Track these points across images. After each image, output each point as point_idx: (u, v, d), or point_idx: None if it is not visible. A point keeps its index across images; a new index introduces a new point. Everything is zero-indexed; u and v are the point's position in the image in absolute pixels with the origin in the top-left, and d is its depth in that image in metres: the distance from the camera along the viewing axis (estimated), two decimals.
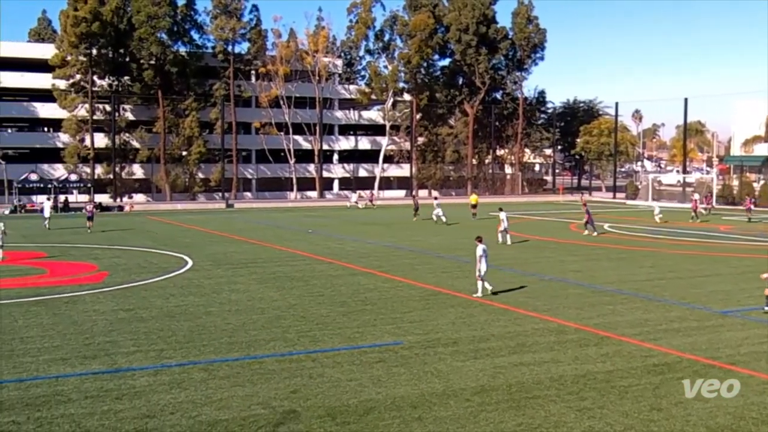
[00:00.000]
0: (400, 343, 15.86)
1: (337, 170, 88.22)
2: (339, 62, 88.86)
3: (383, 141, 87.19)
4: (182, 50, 76.08)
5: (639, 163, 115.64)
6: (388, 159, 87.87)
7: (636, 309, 19.45)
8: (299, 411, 11.66)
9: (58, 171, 71.84)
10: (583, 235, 38.57)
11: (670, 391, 12.47)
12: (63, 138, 74.17)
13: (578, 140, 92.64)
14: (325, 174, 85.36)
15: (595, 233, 38.67)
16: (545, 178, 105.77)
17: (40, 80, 72.74)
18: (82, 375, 13.57)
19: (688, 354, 14.83)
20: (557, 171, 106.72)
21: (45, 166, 72.34)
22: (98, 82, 73.58)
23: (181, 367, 14.07)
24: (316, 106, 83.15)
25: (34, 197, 65.07)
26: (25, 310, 19.42)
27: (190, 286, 23.27)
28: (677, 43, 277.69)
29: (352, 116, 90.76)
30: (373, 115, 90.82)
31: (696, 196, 54.14)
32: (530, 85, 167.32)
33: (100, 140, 73.88)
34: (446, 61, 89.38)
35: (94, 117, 72.97)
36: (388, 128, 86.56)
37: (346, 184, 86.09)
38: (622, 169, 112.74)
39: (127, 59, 74.30)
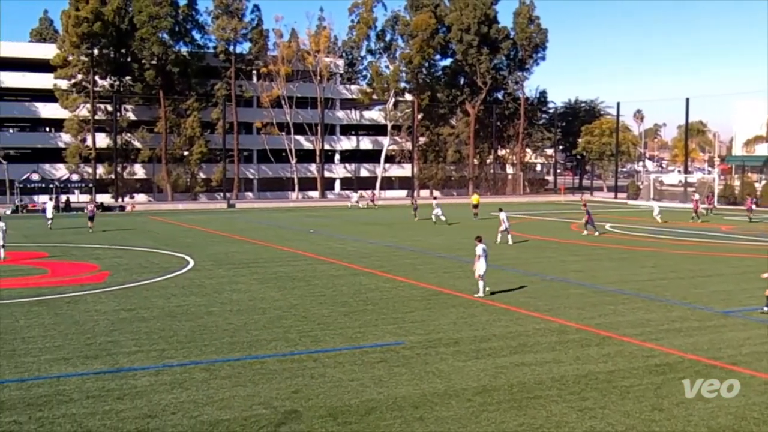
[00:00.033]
0: (401, 343, 15.86)
1: (339, 170, 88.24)
2: (340, 62, 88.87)
3: (385, 141, 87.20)
4: (184, 50, 76.14)
5: (640, 163, 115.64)
6: (390, 159, 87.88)
7: (638, 309, 19.44)
8: (301, 411, 11.66)
9: (60, 171, 71.91)
10: (582, 235, 38.55)
11: (671, 392, 12.47)
12: (64, 138, 74.20)
13: (580, 140, 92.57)
14: (327, 174, 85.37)
15: (596, 233, 38.65)
16: (547, 178, 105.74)
17: (42, 80, 72.78)
18: (83, 375, 13.58)
19: (690, 354, 14.82)
20: (559, 171, 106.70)
21: (47, 166, 72.43)
22: (100, 82, 73.64)
23: (183, 367, 14.08)
24: (318, 106, 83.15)
25: (35, 197, 65.13)
26: (26, 310, 19.43)
27: (192, 286, 23.28)
28: (678, 43, 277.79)
29: (353, 116, 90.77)
30: (375, 115, 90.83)
31: (696, 197, 54.12)
32: (532, 85, 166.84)
33: (102, 140, 73.94)
34: (448, 61, 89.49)
35: (96, 117, 73.05)
36: (389, 128, 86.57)
37: (348, 184, 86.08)
38: (624, 169, 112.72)
39: (129, 59, 74.34)
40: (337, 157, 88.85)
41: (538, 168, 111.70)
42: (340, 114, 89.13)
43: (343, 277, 25.10)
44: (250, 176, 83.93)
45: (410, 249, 33.46)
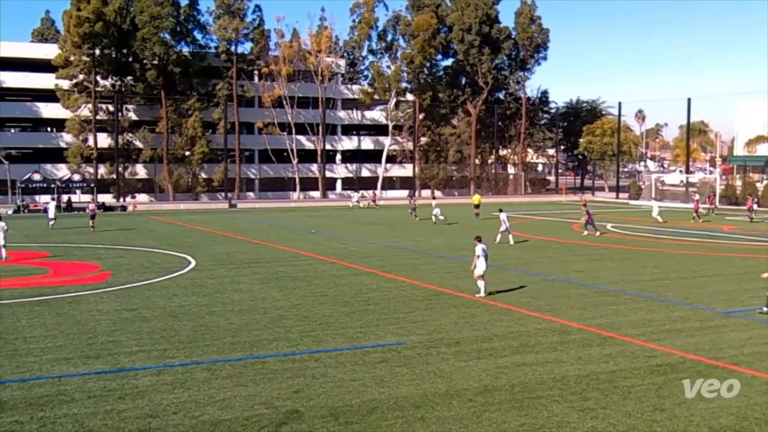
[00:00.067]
0: (403, 343, 15.86)
1: (340, 170, 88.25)
2: (342, 62, 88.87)
3: (386, 141, 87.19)
4: (185, 50, 76.19)
5: (642, 163, 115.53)
6: (391, 159, 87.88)
7: (639, 309, 19.43)
8: (302, 411, 11.66)
9: (61, 171, 71.99)
10: (584, 236, 38.52)
11: (673, 392, 12.46)
12: (66, 138, 74.25)
13: (581, 140, 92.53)
14: (328, 174, 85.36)
15: (597, 233, 38.62)
16: (548, 178, 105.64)
17: (44, 80, 72.83)
18: (85, 375, 13.58)
19: (692, 354, 14.82)
20: (560, 171, 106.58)
21: (48, 166, 72.52)
22: (101, 82, 73.68)
23: (184, 367, 14.08)
24: (319, 106, 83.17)
25: (37, 197, 65.21)
26: (28, 310, 19.44)
27: (193, 286, 23.29)
28: (678, 43, 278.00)
29: (355, 116, 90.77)
30: (376, 115, 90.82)
31: (696, 197, 54.09)
32: (533, 85, 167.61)
33: (103, 140, 73.99)
34: (449, 61, 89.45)
35: (97, 117, 73.10)
36: (390, 128, 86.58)
37: (349, 184, 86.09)
38: (625, 170, 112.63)
39: (130, 59, 74.39)
40: (338, 157, 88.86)
41: (540, 168, 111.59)
42: (342, 114, 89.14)
43: (344, 277, 25.10)
44: (252, 176, 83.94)
45: (412, 249, 33.46)
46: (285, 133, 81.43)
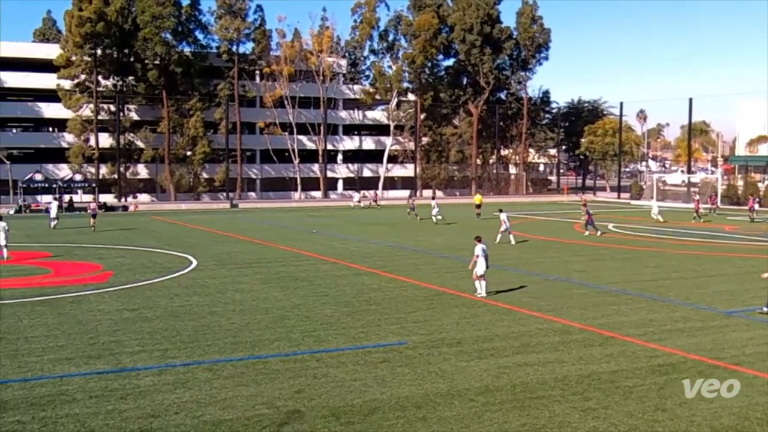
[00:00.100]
0: (404, 343, 15.86)
1: (342, 170, 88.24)
2: (343, 62, 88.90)
3: (387, 141, 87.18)
4: (187, 50, 76.21)
5: (643, 163, 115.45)
6: (393, 159, 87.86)
7: (640, 309, 19.42)
8: (303, 411, 11.67)
9: (63, 171, 72.06)
10: (585, 236, 38.51)
11: (674, 392, 12.45)
12: (68, 138, 74.29)
13: (582, 140, 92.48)
14: (330, 174, 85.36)
15: (598, 233, 38.59)
16: (549, 178, 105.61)
17: (45, 80, 72.89)
18: (86, 375, 13.59)
19: (693, 354, 14.81)
20: (561, 171, 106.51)
21: (50, 166, 72.58)
22: (103, 82, 73.70)
23: (186, 367, 14.09)
24: (321, 106, 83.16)
25: (38, 197, 65.25)
26: (29, 310, 19.45)
27: (195, 286, 23.30)
28: (678, 43, 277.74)
29: (356, 116, 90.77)
30: (378, 115, 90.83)
31: (697, 197, 54.06)
32: (534, 85, 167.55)
33: (105, 140, 74.04)
34: (450, 61, 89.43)
35: (99, 117, 73.10)
36: (392, 128, 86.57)
37: (351, 184, 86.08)
38: (627, 169, 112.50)
39: (132, 59, 74.43)
40: (339, 157, 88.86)
41: (541, 168, 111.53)
42: (343, 114, 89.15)
43: (345, 277, 25.10)
44: (253, 176, 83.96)
45: (413, 249, 33.46)
46: (286, 133, 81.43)
